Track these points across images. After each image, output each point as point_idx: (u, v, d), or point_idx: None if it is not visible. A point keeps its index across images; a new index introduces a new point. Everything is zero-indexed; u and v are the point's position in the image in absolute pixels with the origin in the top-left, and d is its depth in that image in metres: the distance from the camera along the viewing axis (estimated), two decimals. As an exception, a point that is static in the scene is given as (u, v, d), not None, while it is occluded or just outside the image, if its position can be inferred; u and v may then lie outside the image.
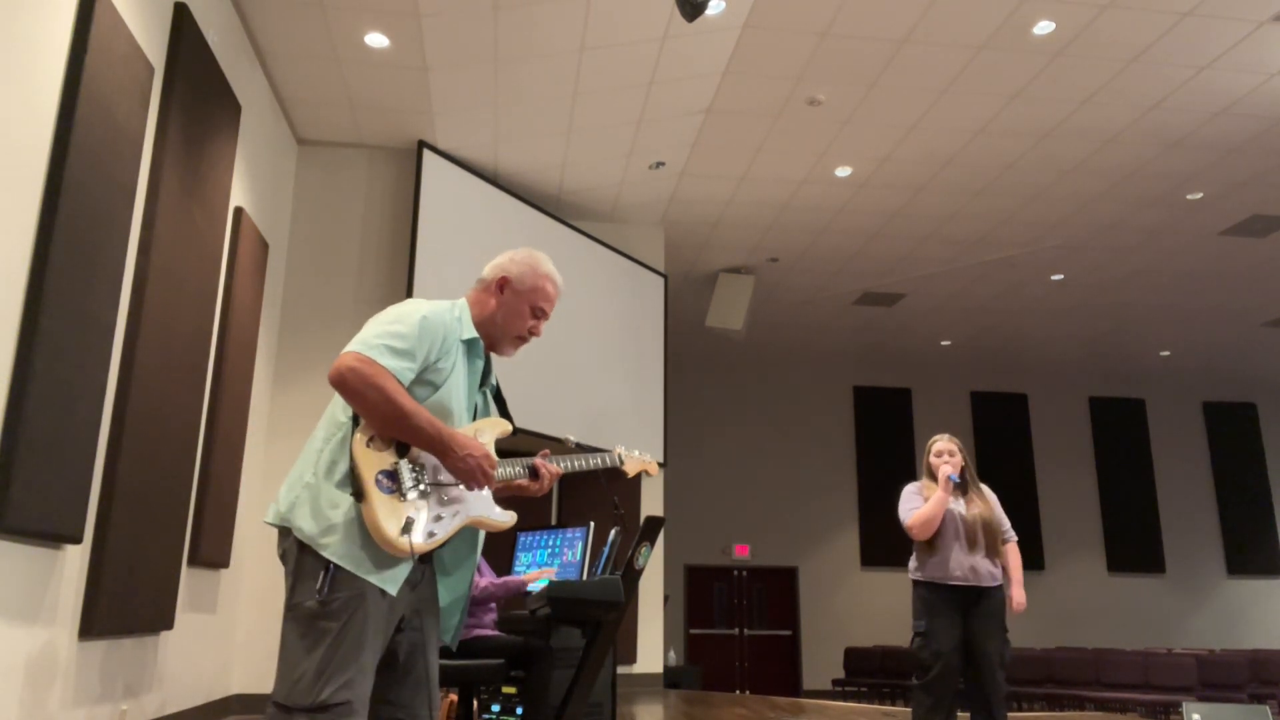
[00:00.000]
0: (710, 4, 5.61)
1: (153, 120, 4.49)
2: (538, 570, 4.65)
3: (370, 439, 1.94)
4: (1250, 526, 14.94)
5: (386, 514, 1.90)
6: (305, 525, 1.90)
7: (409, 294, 7.01)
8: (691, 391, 13.95)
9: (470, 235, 7.75)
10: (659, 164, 8.20)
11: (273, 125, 6.87)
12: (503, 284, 2.22)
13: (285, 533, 1.94)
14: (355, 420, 1.97)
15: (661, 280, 9.54)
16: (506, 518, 2.14)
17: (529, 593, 4.31)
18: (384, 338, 1.96)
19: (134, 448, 4.23)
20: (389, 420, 1.93)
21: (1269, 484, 15.15)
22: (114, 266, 3.96)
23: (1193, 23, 6.24)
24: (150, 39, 4.43)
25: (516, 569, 5.01)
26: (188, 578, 5.16)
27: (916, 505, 4.20)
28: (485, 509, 2.10)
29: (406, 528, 1.91)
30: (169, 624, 4.79)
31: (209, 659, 5.69)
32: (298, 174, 7.52)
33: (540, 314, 2.24)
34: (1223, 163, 8.08)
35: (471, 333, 2.15)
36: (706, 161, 8.21)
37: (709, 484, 13.85)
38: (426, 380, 2.02)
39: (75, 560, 3.87)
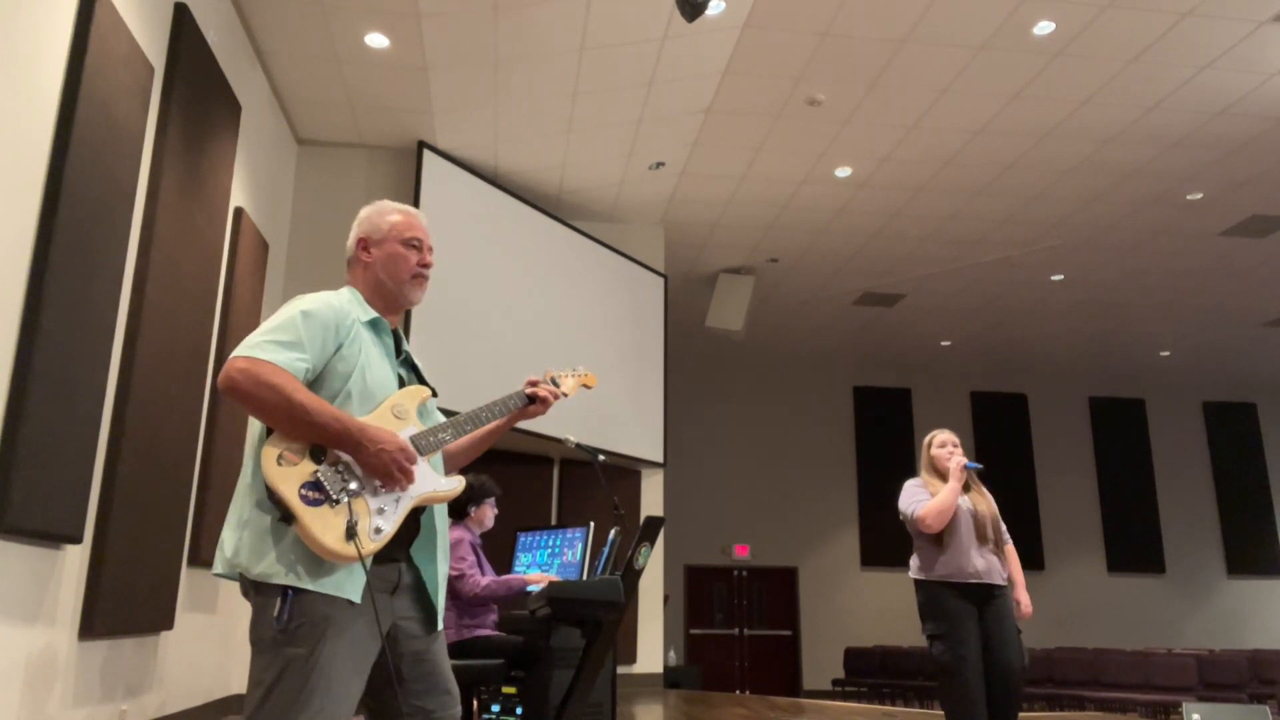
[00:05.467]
0: (710, 4, 5.61)
1: (153, 120, 4.49)
2: (539, 573, 4.64)
3: (280, 455, 1.80)
4: (1250, 526, 14.93)
5: (322, 527, 1.77)
6: (253, 565, 1.80)
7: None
8: (691, 392, 13.94)
9: (470, 235, 7.75)
10: (659, 164, 8.20)
11: (273, 125, 6.87)
12: (365, 244, 2.12)
13: (241, 577, 1.85)
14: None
15: (661, 280, 9.54)
16: (453, 485, 2.01)
17: (529, 593, 4.31)
18: (267, 334, 1.86)
19: (134, 448, 4.23)
20: (290, 419, 1.80)
21: (1269, 484, 15.14)
22: (114, 266, 3.96)
23: (1193, 23, 6.24)
24: (150, 39, 4.43)
25: (516, 569, 5.00)
26: (188, 578, 5.16)
27: (923, 498, 3.95)
28: (429, 484, 1.96)
29: (350, 533, 1.78)
30: (169, 624, 4.79)
31: (209, 659, 5.69)
32: (298, 174, 7.52)
33: (417, 244, 2.12)
34: (1223, 163, 8.08)
35: (371, 313, 2.04)
36: (706, 161, 8.21)
37: (709, 484, 13.84)
38: (338, 370, 1.92)
39: (75, 560, 3.87)
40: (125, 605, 4.23)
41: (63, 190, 3.46)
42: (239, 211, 5.88)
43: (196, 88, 4.97)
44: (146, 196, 4.41)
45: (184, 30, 4.77)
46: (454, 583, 4.16)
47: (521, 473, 8.69)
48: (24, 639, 3.47)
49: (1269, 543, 14.90)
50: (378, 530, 1.84)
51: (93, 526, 3.98)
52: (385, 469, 1.86)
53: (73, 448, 3.61)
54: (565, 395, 2.32)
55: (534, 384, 2.24)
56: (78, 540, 3.74)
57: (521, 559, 5.01)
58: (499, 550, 5.34)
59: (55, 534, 3.55)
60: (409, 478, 1.90)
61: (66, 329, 3.52)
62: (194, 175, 4.95)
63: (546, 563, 4.80)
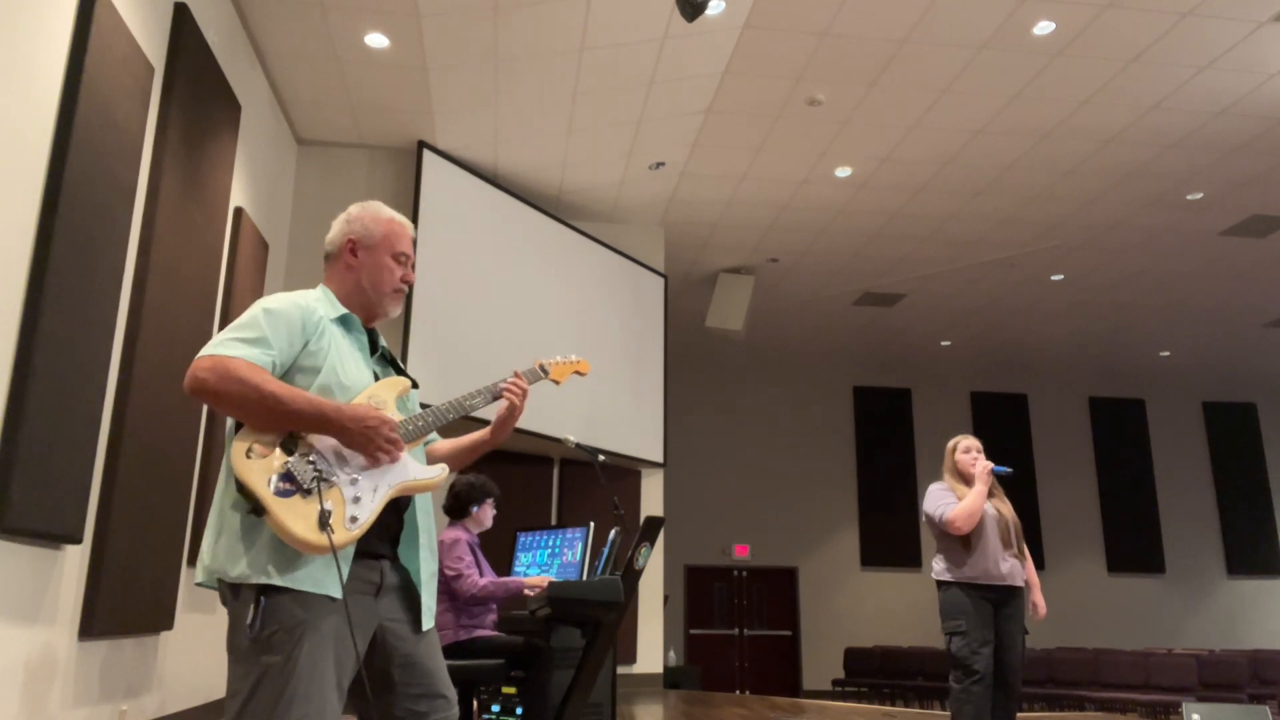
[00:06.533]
0: (710, 4, 5.61)
1: (153, 120, 4.49)
2: (538, 575, 4.65)
3: (249, 448, 1.75)
4: (1250, 526, 14.94)
5: (294, 517, 1.71)
6: (229, 567, 1.76)
7: (409, 296, 6.99)
8: (691, 391, 13.94)
9: (470, 235, 7.75)
10: (659, 164, 8.20)
11: (273, 125, 6.87)
12: (353, 247, 2.04)
13: (219, 583, 1.82)
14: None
15: (661, 280, 9.54)
16: (434, 473, 1.96)
17: (529, 593, 4.32)
18: (230, 333, 1.83)
19: (134, 448, 4.23)
20: (264, 410, 1.75)
21: (1269, 484, 15.15)
22: (114, 266, 3.96)
23: (1193, 23, 6.24)
24: (150, 39, 4.43)
25: (516, 569, 5.01)
26: (188, 578, 5.16)
27: (950, 501, 4.05)
28: (409, 472, 1.91)
29: (323, 522, 1.71)
30: (169, 624, 4.79)
31: (209, 659, 5.69)
32: (298, 174, 7.52)
33: (404, 259, 2.07)
34: (1223, 163, 8.08)
35: (341, 310, 2.00)
36: (706, 161, 8.21)
37: (709, 484, 13.84)
38: (306, 366, 1.88)
39: (75, 560, 3.87)
40: (125, 605, 4.23)
41: (63, 190, 3.45)
42: (239, 211, 5.88)
43: (196, 88, 4.97)
44: (146, 196, 4.41)
45: (184, 30, 4.76)
46: (452, 583, 4.16)
47: (521, 473, 8.69)
48: (24, 639, 3.47)
49: (1269, 543, 14.90)
50: (353, 519, 1.78)
51: (93, 527, 3.98)
52: (370, 442, 1.81)
53: (73, 448, 3.61)
54: (555, 382, 2.27)
55: (507, 387, 2.16)
56: (78, 540, 3.74)
57: (521, 559, 5.01)
58: (499, 550, 5.35)
59: (55, 534, 3.54)
60: (398, 446, 1.86)
61: (66, 329, 3.52)
62: (194, 175, 4.95)
63: (546, 563, 4.80)
